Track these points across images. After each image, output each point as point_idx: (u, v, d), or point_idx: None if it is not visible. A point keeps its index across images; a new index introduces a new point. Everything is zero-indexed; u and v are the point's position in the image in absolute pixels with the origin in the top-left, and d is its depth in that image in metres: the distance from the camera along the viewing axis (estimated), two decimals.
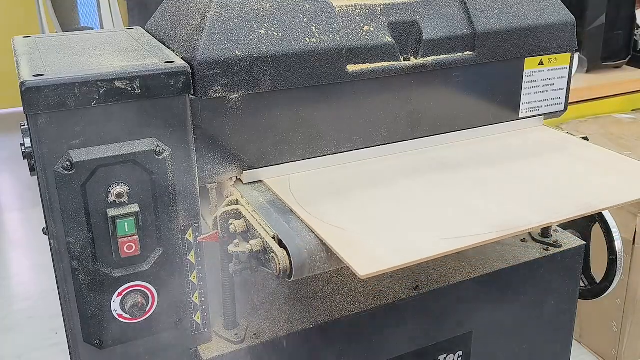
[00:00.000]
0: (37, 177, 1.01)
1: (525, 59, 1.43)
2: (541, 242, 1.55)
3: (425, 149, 1.38)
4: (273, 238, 1.03)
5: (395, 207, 1.14)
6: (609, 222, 1.59)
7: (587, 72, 3.04)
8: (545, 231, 1.56)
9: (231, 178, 1.21)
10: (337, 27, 1.21)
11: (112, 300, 1.08)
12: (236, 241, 1.07)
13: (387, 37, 1.26)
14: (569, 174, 1.28)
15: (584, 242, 1.56)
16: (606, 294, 1.64)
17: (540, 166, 1.32)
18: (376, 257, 0.97)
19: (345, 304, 1.32)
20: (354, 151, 1.30)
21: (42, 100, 0.94)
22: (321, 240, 1.02)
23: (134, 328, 1.11)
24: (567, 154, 1.39)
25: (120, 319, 1.10)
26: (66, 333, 1.10)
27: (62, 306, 1.08)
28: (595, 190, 1.20)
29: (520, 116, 1.49)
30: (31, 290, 3.27)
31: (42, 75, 0.97)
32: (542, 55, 1.45)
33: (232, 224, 1.09)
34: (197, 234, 1.12)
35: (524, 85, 1.46)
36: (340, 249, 0.98)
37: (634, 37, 3.13)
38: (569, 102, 1.56)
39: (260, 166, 1.21)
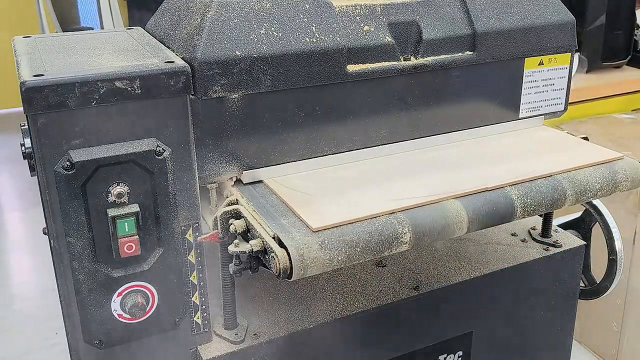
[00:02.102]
0: (37, 177, 1.01)
1: (525, 59, 1.43)
2: (541, 242, 1.55)
3: (424, 148, 1.38)
4: (273, 238, 1.03)
5: (363, 184, 1.22)
6: (609, 222, 1.59)
7: (587, 72, 3.04)
8: (546, 231, 1.56)
9: (231, 178, 1.21)
10: (337, 27, 1.21)
11: (112, 300, 1.08)
12: (236, 241, 1.07)
13: (387, 37, 1.26)
14: (534, 156, 1.36)
15: (584, 242, 1.57)
16: (606, 294, 1.64)
17: (513, 153, 1.38)
18: (327, 214, 1.09)
19: (345, 304, 1.32)
20: (354, 151, 1.30)
21: (42, 100, 0.94)
22: (282, 201, 1.14)
23: (134, 328, 1.11)
24: (546, 143, 1.46)
25: (120, 319, 1.10)
26: (66, 333, 1.10)
27: (62, 306, 1.08)
28: (541, 167, 1.30)
29: (520, 116, 1.49)
30: (31, 290, 3.28)
31: (42, 75, 0.97)
32: (542, 55, 1.45)
33: (232, 224, 1.09)
34: (197, 234, 1.12)
35: (524, 85, 1.46)
36: (298, 207, 1.11)
37: (634, 37, 3.13)
38: (569, 102, 1.56)
39: (260, 166, 1.21)
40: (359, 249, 1.04)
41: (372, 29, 1.26)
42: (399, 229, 1.08)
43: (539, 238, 1.56)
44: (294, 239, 1.01)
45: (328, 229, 1.05)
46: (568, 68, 1.51)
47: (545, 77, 1.48)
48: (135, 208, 1.03)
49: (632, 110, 3.02)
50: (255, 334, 1.23)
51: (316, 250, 1.01)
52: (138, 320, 1.11)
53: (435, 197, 1.15)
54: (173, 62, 1.06)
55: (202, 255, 1.14)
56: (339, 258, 1.02)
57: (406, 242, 1.08)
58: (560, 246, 1.53)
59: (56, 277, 1.06)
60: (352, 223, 1.07)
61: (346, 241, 1.04)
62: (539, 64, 1.46)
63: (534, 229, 1.60)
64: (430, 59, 1.31)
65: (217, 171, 1.16)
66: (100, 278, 1.05)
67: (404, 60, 1.29)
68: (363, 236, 1.05)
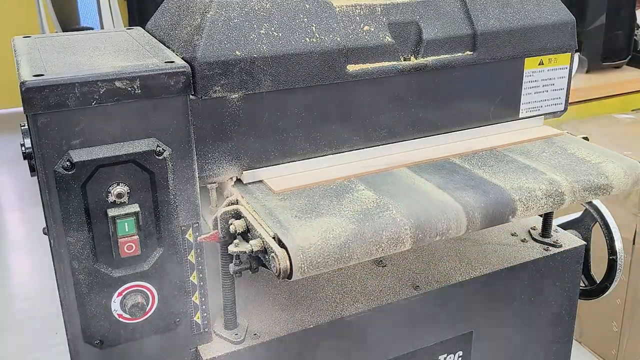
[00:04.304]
0: (37, 177, 1.01)
1: (525, 59, 1.43)
2: (541, 242, 1.55)
3: (424, 148, 1.38)
4: (273, 238, 1.03)
5: (342, 168, 1.30)
6: (609, 222, 1.59)
7: (587, 72, 3.05)
8: (546, 231, 1.56)
9: (231, 178, 1.21)
10: (337, 27, 1.21)
11: (112, 300, 1.08)
12: (236, 241, 1.07)
13: (387, 37, 1.26)
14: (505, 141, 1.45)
15: (584, 242, 1.56)
16: (606, 294, 1.64)
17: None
18: (291, 180, 1.21)
19: (345, 304, 1.32)
20: (354, 151, 1.30)
21: (42, 100, 0.94)
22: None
23: (134, 328, 1.11)
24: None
25: (120, 319, 1.10)
26: (66, 333, 1.10)
27: (62, 306, 1.08)
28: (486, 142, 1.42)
29: (520, 116, 1.49)
30: (31, 290, 3.28)
31: (42, 75, 0.97)
32: (542, 55, 1.45)
33: (232, 224, 1.09)
34: (197, 234, 1.12)
35: (524, 85, 1.46)
36: (267, 179, 1.22)
37: (634, 37, 3.13)
38: (569, 102, 1.56)
39: (260, 166, 1.21)
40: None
41: (372, 29, 1.26)
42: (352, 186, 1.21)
43: (539, 238, 1.56)
44: (294, 239, 1.01)
45: (289, 190, 1.19)
46: (568, 68, 1.51)
47: (545, 77, 1.48)
48: (135, 208, 1.03)
49: (632, 110, 3.02)
50: (255, 334, 1.23)
51: (316, 250, 1.00)
52: (138, 320, 1.11)
53: (387, 166, 1.29)
54: (173, 62, 1.06)
55: (202, 255, 1.14)
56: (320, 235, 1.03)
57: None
58: (560, 246, 1.53)
59: (56, 277, 1.06)
60: (309, 186, 1.20)
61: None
62: (539, 64, 1.46)
63: (534, 229, 1.60)
64: (430, 59, 1.31)
65: (217, 171, 1.16)
66: (100, 278, 1.05)
67: (404, 60, 1.29)
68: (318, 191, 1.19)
